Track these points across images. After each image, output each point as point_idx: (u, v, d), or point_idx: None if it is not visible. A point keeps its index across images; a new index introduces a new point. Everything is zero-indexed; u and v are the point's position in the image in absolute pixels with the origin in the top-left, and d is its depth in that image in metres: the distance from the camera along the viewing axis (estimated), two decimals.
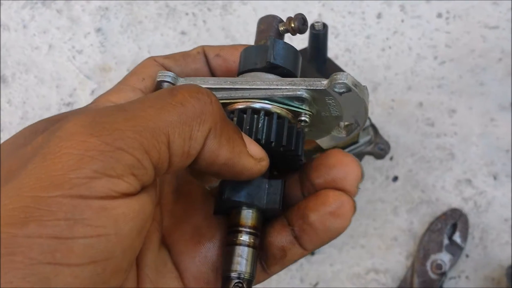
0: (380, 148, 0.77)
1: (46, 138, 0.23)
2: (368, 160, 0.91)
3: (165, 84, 0.31)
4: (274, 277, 0.86)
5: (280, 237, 0.30)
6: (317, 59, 0.75)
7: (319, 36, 0.72)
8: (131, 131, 0.22)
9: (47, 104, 1.01)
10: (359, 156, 0.78)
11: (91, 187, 0.21)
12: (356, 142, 0.76)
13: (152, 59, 0.33)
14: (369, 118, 0.76)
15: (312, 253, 0.85)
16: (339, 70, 0.76)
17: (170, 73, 0.31)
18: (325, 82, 0.29)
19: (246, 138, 0.28)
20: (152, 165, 0.23)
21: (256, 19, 0.35)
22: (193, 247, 0.30)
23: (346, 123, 0.32)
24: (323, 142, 0.34)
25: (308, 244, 0.29)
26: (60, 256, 0.20)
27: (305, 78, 0.30)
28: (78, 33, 1.08)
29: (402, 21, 1.08)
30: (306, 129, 0.31)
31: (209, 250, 0.30)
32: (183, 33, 1.08)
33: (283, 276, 0.84)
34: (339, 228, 0.28)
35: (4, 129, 0.99)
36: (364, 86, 0.29)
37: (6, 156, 0.24)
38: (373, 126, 0.78)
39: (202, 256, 0.30)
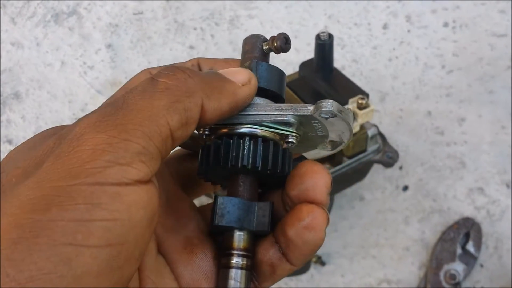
0: (388, 156, 0.76)
1: (58, 142, 0.25)
2: (377, 169, 0.90)
3: None
4: None
5: (268, 255, 0.31)
6: (323, 69, 0.75)
7: (325, 46, 0.73)
8: (132, 123, 0.24)
9: (59, 119, 1.03)
10: (368, 164, 0.78)
11: (105, 175, 0.22)
12: (365, 150, 0.76)
13: (147, 71, 0.34)
14: (377, 127, 0.76)
15: (323, 264, 0.84)
16: (346, 79, 0.77)
17: None
18: (311, 108, 0.30)
19: (229, 72, 0.30)
20: (157, 149, 0.25)
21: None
22: (186, 256, 0.31)
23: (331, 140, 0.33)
24: (310, 155, 0.35)
25: (294, 259, 0.30)
26: (81, 237, 0.21)
27: (292, 104, 0.31)
28: (89, 49, 1.10)
29: (409, 31, 1.09)
30: (293, 145, 0.32)
31: (202, 260, 0.31)
32: (191, 47, 1.09)
33: None
34: (315, 241, 0.29)
35: (18, 144, 1.01)
36: (348, 109, 0.31)
37: (19, 158, 0.26)
38: (381, 134, 0.78)
39: (195, 265, 0.31)
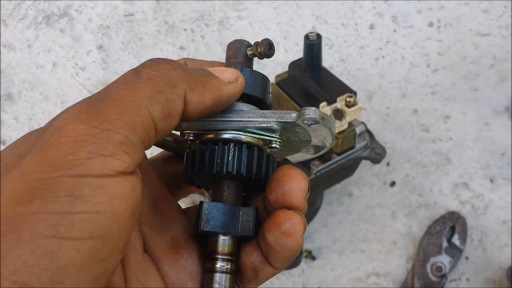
0: (376, 153, 0.79)
1: (40, 135, 0.25)
2: (365, 166, 0.93)
3: None
4: (277, 282, 0.87)
5: (251, 258, 0.31)
6: (312, 68, 0.77)
7: (314, 46, 0.75)
8: (114, 113, 0.24)
9: None
10: (356, 161, 0.80)
11: (88, 167, 0.22)
12: (353, 147, 0.78)
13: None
14: (365, 124, 0.78)
15: (313, 258, 0.86)
16: (334, 79, 0.79)
17: None
18: (294, 114, 0.31)
19: (216, 70, 0.30)
20: (140, 139, 0.25)
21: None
22: (171, 256, 0.31)
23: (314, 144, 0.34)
24: (293, 158, 0.36)
25: (276, 263, 0.31)
26: (63, 229, 0.21)
27: (276, 111, 0.32)
28: (81, 51, 1.11)
29: (395, 31, 1.11)
30: (276, 150, 0.33)
31: (187, 260, 0.31)
32: (182, 48, 1.11)
33: (285, 282, 0.85)
34: (293, 246, 0.29)
35: None
36: (330, 115, 0.32)
37: (5, 155, 0.26)
38: (369, 131, 0.80)
39: (180, 265, 0.31)
